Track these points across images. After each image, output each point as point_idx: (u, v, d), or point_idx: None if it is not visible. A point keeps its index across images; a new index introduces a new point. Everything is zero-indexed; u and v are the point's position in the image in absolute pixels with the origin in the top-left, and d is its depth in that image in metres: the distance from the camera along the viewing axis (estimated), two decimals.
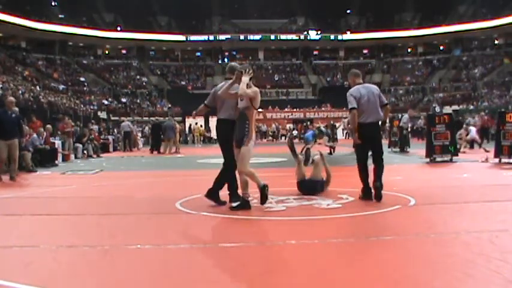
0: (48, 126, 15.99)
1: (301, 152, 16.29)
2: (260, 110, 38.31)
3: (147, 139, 27.74)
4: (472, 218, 4.99)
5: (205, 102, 6.29)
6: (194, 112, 6.81)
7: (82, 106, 37.65)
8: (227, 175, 5.94)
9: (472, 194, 6.65)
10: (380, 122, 6.50)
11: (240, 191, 5.67)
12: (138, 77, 51.71)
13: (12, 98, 11.04)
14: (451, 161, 12.06)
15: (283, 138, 36.17)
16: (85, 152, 17.72)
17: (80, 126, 21.48)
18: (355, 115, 6.08)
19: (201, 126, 33.84)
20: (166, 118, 23.08)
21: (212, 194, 5.83)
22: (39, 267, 3.43)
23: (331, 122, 26.32)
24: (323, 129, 17.18)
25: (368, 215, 5.23)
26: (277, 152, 16.97)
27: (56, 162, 14.32)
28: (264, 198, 5.56)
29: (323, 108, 41.27)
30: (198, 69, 54.12)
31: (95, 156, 18.11)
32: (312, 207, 5.68)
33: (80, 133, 18.67)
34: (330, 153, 15.97)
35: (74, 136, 17.66)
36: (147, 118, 38.82)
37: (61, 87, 42.47)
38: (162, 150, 20.31)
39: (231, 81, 5.77)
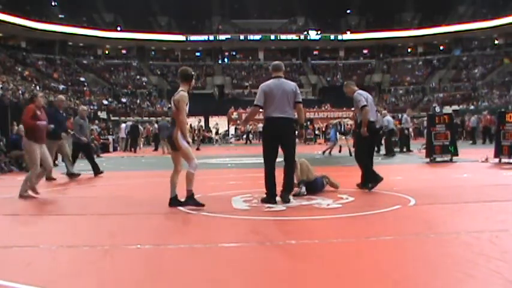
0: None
1: (323, 153, 16.07)
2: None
3: (147, 139, 27.89)
4: (472, 218, 4.99)
5: (256, 103, 6.05)
6: (244, 121, 6.78)
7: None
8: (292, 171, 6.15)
9: (472, 194, 6.65)
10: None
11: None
12: (138, 77, 51.74)
13: (63, 97, 11.02)
14: (451, 161, 12.05)
15: None
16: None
17: None
18: (368, 112, 6.93)
19: (201, 126, 33.79)
20: (160, 118, 23.49)
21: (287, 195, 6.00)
22: (39, 267, 3.43)
23: (332, 122, 26.29)
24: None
25: (368, 215, 5.23)
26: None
27: (56, 162, 14.29)
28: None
29: (323, 108, 41.26)
30: (198, 69, 54.12)
31: (95, 156, 18.07)
32: (312, 207, 5.67)
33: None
34: (351, 154, 15.59)
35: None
36: (147, 118, 38.84)
37: (61, 87, 42.48)
38: (160, 150, 20.49)
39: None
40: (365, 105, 6.91)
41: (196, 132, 26.36)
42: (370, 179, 6.97)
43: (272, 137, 6.00)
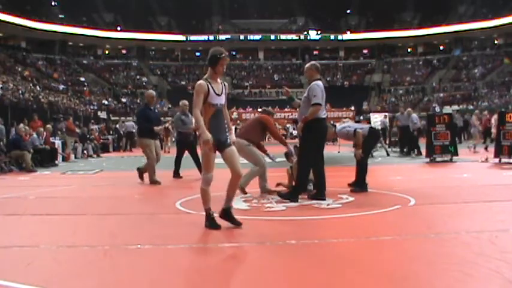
0: (48, 126, 16.00)
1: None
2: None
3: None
4: (472, 218, 4.99)
5: (319, 102, 6.06)
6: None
7: (82, 106, 37.65)
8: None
9: (472, 194, 6.65)
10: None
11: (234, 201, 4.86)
12: (138, 77, 51.72)
13: (153, 92, 9.73)
14: (451, 161, 12.06)
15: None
16: (85, 152, 17.73)
17: (80, 126, 21.53)
18: (361, 135, 6.96)
19: None
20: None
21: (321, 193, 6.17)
22: (39, 267, 3.43)
23: (331, 122, 26.25)
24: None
25: (368, 215, 5.23)
26: (278, 152, 16.92)
27: (56, 162, 14.32)
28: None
29: None
30: (198, 69, 54.12)
31: (95, 156, 18.11)
32: (312, 207, 5.68)
33: (82, 132, 18.74)
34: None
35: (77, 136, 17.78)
36: None
37: (61, 87, 42.47)
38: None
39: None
40: (356, 130, 7.08)
41: None
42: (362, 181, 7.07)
43: (323, 137, 6.35)
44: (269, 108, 8.36)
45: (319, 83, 6.27)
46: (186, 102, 9.97)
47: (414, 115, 15.51)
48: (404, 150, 15.51)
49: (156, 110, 9.14)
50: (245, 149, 6.67)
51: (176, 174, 9.79)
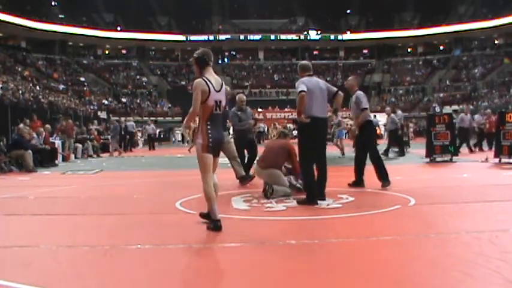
0: (48, 126, 15.98)
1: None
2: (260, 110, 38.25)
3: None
4: (472, 218, 4.99)
5: (302, 89, 5.84)
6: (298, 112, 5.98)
7: (82, 106, 37.66)
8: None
9: (472, 194, 6.65)
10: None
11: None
12: (138, 77, 51.75)
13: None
14: (451, 161, 12.05)
15: None
16: (85, 152, 17.72)
17: (80, 126, 21.51)
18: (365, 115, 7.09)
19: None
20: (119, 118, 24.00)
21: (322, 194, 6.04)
22: (39, 267, 3.43)
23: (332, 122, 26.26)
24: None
25: (368, 215, 5.23)
26: None
27: (56, 162, 14.32)
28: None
29: None
30: None
31: (95, 156, 18.11)
32: (312, 207, 5.67)
33: (79, 132, 18.74)
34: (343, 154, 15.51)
35: (75, 136, 17.75)
36: (147, 118, 38.88)
37: (61, 87, 42.48)
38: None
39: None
40: (364, 108, 7.04)
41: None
42: (360, 179, 7.18)
43: (317, 136, 6.03)
44: (285, 129, 7.94)
45: (304, 79, 6.04)
46: (243, 97, 9.16)
47: (393, 115, 15.47)
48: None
49: (232, 109, 8.75)
50: (282, 178, 6.63)
51: (242, 178, 8.46)
